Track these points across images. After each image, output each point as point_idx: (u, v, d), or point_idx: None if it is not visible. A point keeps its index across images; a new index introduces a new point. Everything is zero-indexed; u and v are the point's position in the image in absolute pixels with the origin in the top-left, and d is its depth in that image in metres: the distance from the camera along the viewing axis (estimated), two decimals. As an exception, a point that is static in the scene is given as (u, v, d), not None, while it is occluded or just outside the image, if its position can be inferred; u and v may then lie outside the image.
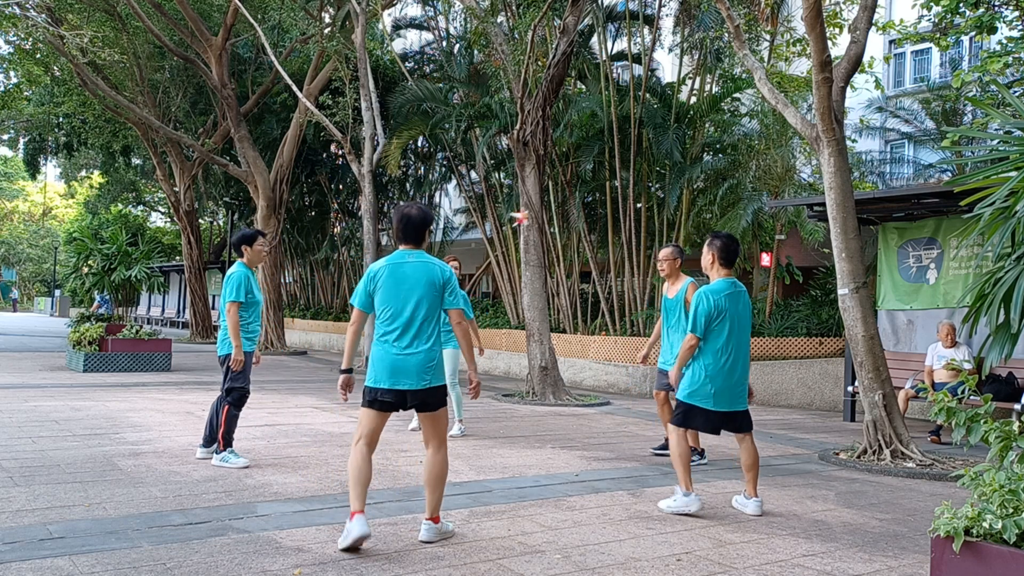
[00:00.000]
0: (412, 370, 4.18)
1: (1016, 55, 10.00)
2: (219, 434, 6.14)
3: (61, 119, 27.20)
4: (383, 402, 4.19)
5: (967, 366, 8.74)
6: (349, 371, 4.37)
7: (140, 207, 39.42)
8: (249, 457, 6.35)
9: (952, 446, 8.30)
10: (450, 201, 25.70)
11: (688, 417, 5.14)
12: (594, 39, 16.47)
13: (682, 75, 16.81)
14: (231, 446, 6.18)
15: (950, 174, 14.84)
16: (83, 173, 38.44)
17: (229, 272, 6.24)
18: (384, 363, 4.18)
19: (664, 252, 6.96)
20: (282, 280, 24.55)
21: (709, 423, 5.16)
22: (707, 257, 5.30)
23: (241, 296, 6.11)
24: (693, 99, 15.98)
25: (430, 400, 4.23)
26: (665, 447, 7.19)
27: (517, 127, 12.02)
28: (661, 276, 7.05)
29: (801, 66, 16.70)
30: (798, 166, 15.20)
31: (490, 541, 4.37)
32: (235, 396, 6.16)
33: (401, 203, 4.49)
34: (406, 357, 4.18)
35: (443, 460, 4.27)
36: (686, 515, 5.04)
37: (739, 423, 5.22)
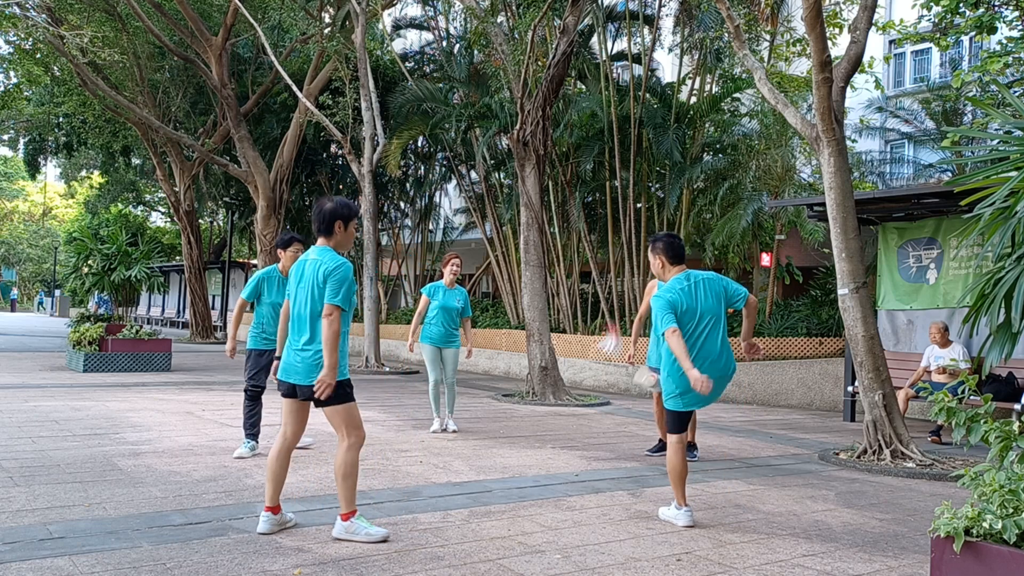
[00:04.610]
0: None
1: (1016, 55, 10.00)
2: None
3: (61, 119, 27.19)
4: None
5: (964, 366, 8.75)
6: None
7: (140, 207, 39.39)
8: (249, 457, 6.43)
9: (952, 446, 8.30)
10: (450, 201, 25.69)
11: (684, 422, 4.98)
12: (594, 39, 16.46)
13: (682, 75, 16.81)
14: (250, 437, 6.58)
15: (950, 174, 14.83)
16: (83, 173, 38.44)
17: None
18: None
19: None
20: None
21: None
22: (655, 263, 5.06)
23: (246, 294, 6.57)
24: (693, 99, 15.97)
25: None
26: (661, 448, 7.16)
27: (517, 127, 12.02)
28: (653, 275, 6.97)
29: (801, 66, 16.69)
30: (798, 166, 15.20)
31: (490, 541, 4.37)
32: (246, 389, 6.62)
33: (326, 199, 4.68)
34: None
35: (343, 455, 4.25)
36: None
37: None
